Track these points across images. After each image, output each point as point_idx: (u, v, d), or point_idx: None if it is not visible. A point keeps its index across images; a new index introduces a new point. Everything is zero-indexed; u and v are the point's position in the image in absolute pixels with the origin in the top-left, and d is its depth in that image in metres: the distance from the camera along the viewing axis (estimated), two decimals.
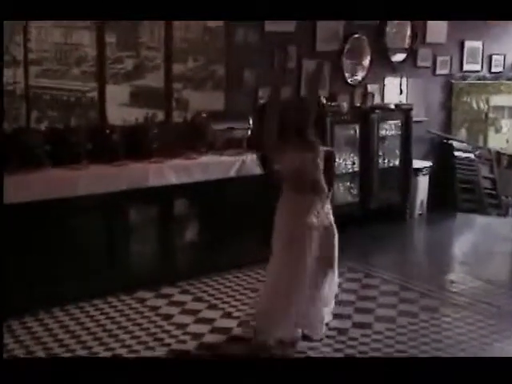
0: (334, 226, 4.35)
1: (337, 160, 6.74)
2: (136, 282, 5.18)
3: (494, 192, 8.50)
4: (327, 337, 4.45)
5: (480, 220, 8.04)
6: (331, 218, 4.34)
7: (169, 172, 5.32)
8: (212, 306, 4.97)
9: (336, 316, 4.68)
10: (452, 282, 5.68)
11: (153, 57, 5.80)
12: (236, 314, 4.83)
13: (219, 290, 5.31)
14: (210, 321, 4.70)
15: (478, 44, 8.60)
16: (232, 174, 5.64)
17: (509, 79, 8.99)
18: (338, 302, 4.98)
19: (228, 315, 4.80)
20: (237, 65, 6.26)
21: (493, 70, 8.87)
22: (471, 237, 7.52)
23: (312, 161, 4.23)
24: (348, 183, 7.10)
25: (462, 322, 4.80)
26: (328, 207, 4.34)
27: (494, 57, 8.83)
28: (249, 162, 5.73)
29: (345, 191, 7.07)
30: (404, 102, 7.74)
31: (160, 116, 5.86)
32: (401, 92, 7.84)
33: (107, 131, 5.39)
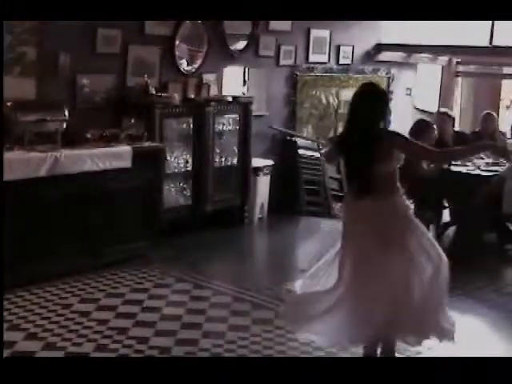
0: None
1: (168, 158, 6.89)
2: None
3: (341, 194, 8.68)
4: None
5: (325, 224, 8.26)
6: None
7: None
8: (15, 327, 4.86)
9: (160, 333, 4.77)
10: (289, 291, 5.59)
11: None
12: (41, 335, 4.76)
13: (39, 305, 5.24)
14: None
15: (325, 33, 8.94)
16: (42, 173, 5.55)
17: (358, 73, 9.45)
18: (162, 317, 5.10)
19: (31, 336, 4.75)
20: (51, 47, 6.17)
21: (341, 61, 9.25)
22: (314, 242, 7.64)
23: None
24: (180, 184, 7.14)
25: None
26: None
27: (342, 48, 9.21)
28: (63, 160, 5.67)
29: (177, 193, 7.12)
30: (245, 94, 7.87)
31: None
32: (244, 83, 7.98)
33: None
